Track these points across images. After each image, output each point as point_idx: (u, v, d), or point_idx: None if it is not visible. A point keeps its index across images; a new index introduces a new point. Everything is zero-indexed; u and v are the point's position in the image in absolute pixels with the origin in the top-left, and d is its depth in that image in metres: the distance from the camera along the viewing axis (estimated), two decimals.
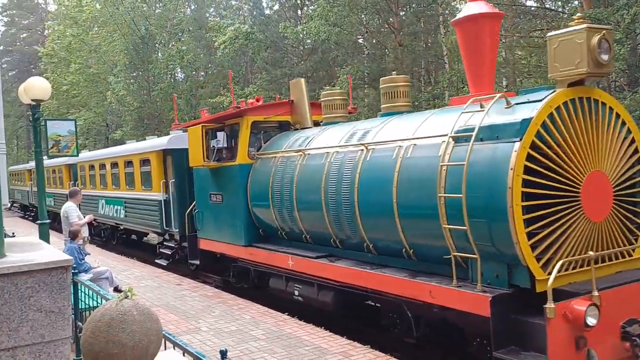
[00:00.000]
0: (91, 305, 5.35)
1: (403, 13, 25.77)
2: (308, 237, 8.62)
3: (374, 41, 26.50)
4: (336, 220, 7.71)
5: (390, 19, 24.75)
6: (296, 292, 8.64)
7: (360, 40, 27.99)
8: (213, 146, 10.60)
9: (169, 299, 9.82)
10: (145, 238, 19.91)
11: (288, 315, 8.49)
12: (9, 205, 36.82)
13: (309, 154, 8.54)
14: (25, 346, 3.08)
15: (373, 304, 7.91)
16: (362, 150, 7.40)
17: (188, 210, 12.02)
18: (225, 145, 10.67)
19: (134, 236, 19.49)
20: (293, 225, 8.82)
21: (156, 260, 14.01)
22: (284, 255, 8.74)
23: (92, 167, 19.61)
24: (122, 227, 17.92)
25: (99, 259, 12.01)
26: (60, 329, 3.20)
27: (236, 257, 10.22)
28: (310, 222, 8.40)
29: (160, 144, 13.74)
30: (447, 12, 24.60)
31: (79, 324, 5.57)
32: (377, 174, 6.98)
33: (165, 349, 3.57)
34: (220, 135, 10.69)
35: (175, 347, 3.55)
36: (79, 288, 5.71)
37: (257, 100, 10.69)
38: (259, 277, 9.98)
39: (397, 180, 6.56)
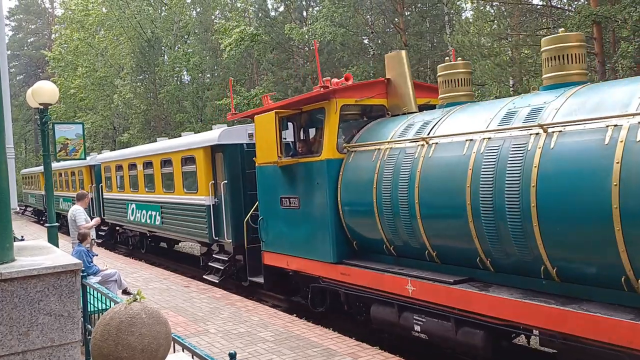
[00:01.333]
0: (100, 308, 5.37)
1: (408, 13, 25.78)
2: (434, 253, 6.71)
3: (380, 41, 26.50)
4: (491, 231, 5.79)
5: (396, 19, 24.75)
6: (417, 328, 6.75)
7: (365, 41, 27.99)
8: (284, 138, 8.96)
9: (178, 301, 9.84)
10: (176, 246, 18.39)
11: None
12: (19, 210, 36.86)
13: (436, 143, 6.62)
14: (36, 350, 3.10)
15: (527, 343, 6.66)
16: (538, 134, 5.47)
17: (247, 217, 10.46)
18: (299, 136, 9.07)
19: (163, 244, 17.72)
20: (409, 238, 6.94)
21: (204, 277, 12.10)
22: (400, 278, 6.85)
23: (119, 167, 17.49)
24: (149, 234, 16.13)
25: (107, 261, 12.08)
26: (69, 333, 3.22)
27: (320, 277, 8.38)
28: (443, 234, 6.53)
29: (210, 139, 11.77)
30: (452, 11, 24.61)
31: (88, 327, 5.59)
32: (573, 167, 5.11)
33: (174, 352, 3.58)
34: (290, 125, 9.18)
35: (184, 350, 3.55)
36: (88, 291, 5.72)
37: (347, 79, 8.59)
38: (348, 301, 8.19)
39: (618, 174, 4.71)
